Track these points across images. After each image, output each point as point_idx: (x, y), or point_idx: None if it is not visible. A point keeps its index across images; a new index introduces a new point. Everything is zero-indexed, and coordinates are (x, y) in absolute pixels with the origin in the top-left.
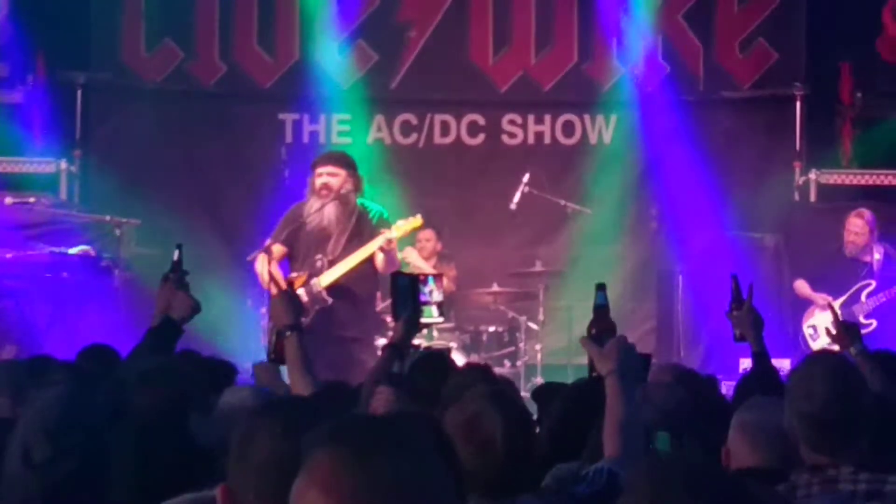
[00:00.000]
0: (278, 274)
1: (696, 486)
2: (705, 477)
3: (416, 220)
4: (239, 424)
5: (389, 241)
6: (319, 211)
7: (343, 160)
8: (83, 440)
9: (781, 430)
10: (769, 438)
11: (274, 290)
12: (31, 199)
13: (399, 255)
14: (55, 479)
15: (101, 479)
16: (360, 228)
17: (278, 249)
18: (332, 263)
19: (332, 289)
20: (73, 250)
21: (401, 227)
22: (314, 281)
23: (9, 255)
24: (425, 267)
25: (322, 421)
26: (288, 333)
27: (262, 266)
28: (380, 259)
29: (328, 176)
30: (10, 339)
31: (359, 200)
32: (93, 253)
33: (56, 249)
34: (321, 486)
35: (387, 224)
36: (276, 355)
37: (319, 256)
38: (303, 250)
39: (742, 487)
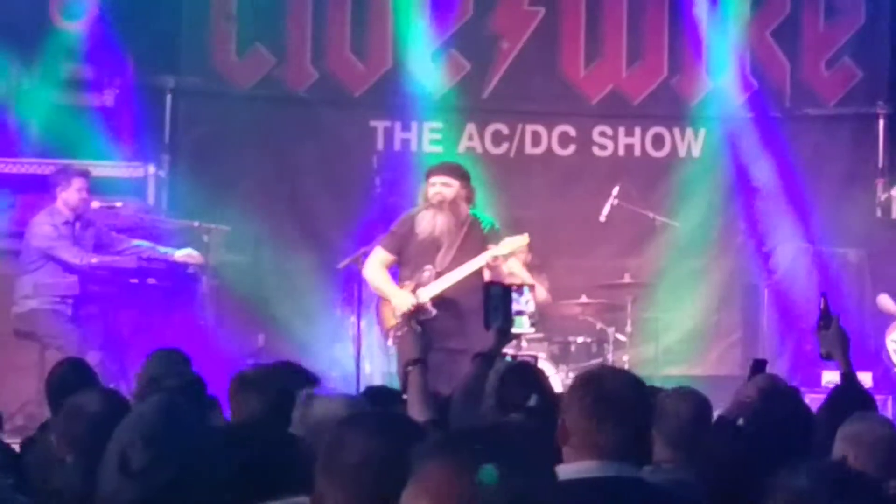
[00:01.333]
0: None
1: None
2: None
3: (524, 239)
4: (328, 432)
5: (495, 258)
6: (431, 220)
7: (457, 171)
8: (181, 447)
9: (886, 442)
10: (874, 449)
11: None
12: (118, 204)
13: (505, 265)
14: (153, 486)
15: (200, 486)
16: (471, 239)
17: (385, 257)
18: (439, 275)
19: (438, 300)
20: (178, 253)
21: (507, 244)
22: (420, 291)
23: (95, 260)
24: (528, 278)
25: (409, 427)
26: (410, 368)
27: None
28: (486, 274)
29: (441, 185)
30: (94, 346)
31: (471, 211)
32: (198, 258)
33: (165, 250)
34: (431, 496)
35: (497, 235)
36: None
37: (428, 267)
38: (413, 260)
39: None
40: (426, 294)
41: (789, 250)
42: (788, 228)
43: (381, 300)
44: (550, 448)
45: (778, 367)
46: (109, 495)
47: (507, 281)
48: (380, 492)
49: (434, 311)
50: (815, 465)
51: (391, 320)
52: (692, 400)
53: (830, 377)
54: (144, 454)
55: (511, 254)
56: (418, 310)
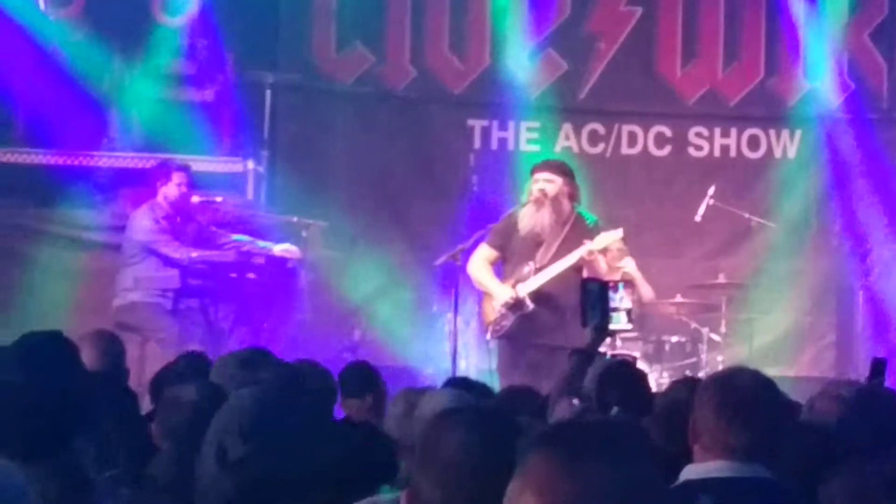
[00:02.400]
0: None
1: None
2: None
3: (617, 233)
4: (425, 426)
5: (590, 253)
6: (533, 217)
7: (561, 168)
8: (278, 440)
9: None
10: None
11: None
12: (218, 199)
13: (619, 263)
14: (249, 478)
15: (297, 479)
16: (573, 236)
17: (489, 253)
18: (538, 271)
19: (536, 296)
20: (277, 248)
21: (602, 239)
22: (519, 286)
23: (194, 254)
24: (640, 278)
25: (509, 422)
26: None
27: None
28: (584, 270)
29: (545, 182)
30: (194, 340)
31: (576, 209)
32: (296, 253)
33: (264, 245)
34: (536, 490)
35: (600, 232)
36: None
37: (529, 263)
38: (516, 256)
39: None
40: (524, 289)
41: (885, 252)
42: (885, 230)
43: (483, 296)
44: (652, 444)
45: None
46: (207, 486)
47: (606, 278)
48: (476, 487)
49: (532, 307)
50: (874, 463)
51: (491, 315)
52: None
53: None
54: (241, 446)
55: (605, 248)
56: (517, 303)
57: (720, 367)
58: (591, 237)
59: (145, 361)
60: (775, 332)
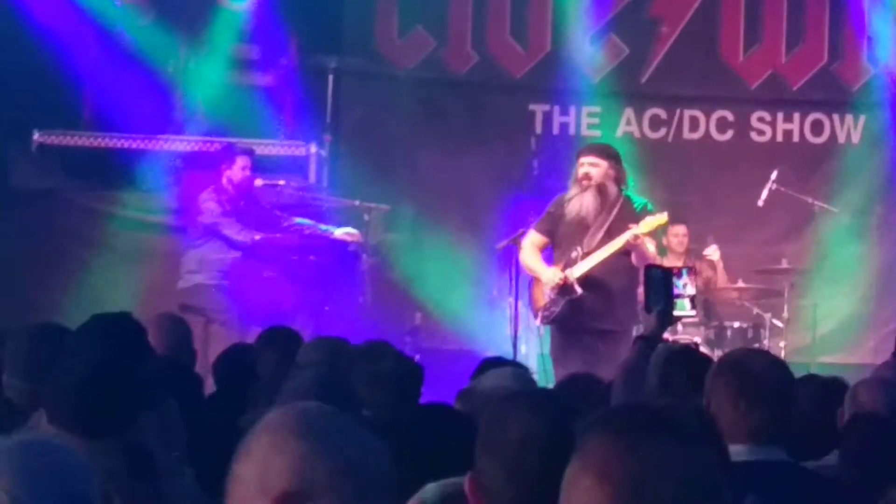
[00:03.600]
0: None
1: None
2: None
3: (663, 217)
4: (489, 408)
5: (636, 237)
6: (578, 201)
7: (605, 151)
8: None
9: None
10: None
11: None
12: (281, 182)
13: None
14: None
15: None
16: (621, 220)
17: (537, 239)
18: (587, 255)
19: (585, 281)
20: (338, 231)
21: (648, 223)
22: (567, 272)
23: (258, 237)
24: (720, 266)
25: (572, 406)
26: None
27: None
28: (632, 255)
29: (589, 166)
30: (255, 322)
31: (624, 192)
32: (357, 236)
33: (326, 228)
34: (596, 473)
35: (648, 216)
36: None
37: (577, 248)
38: (564, 241)
39: None
40: (573, 274)
41: None
42: None
43: (533, 280)
44: (714, 427)
45: None
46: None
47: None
48: (540, 470)
49: (580, 291)
50: None
51: (541, 300)
52: (888, 392)
53: None
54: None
55: (651, 231)
56: (566, 287)
57: (782, 353)
58: (639, 221)
59: (209, 343)
60: (838, 318)
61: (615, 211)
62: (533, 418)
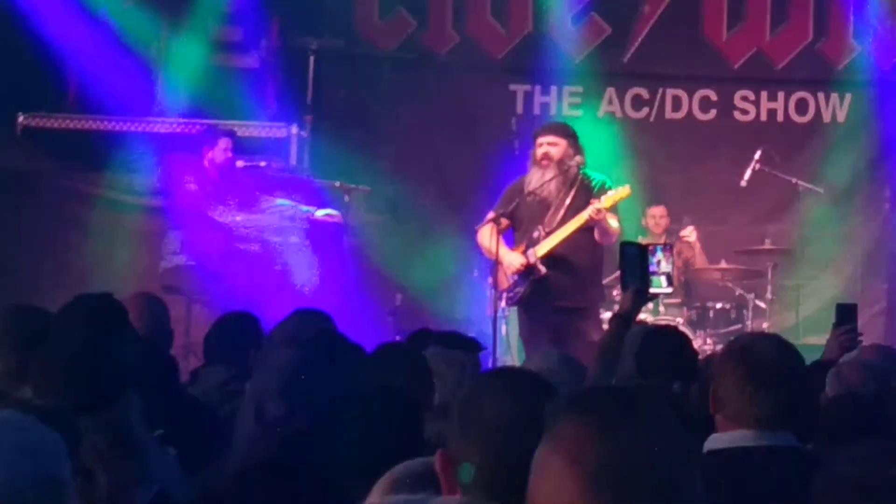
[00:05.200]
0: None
1: None
2: None
3: (625, 190)
4: (465, 390)
5: (598, 211)
6: (539, 180)
7: (563, 130)
8: (313, 401)
9: None
10: None
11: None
12: (262, 164)
13: (683, 232)
14: (287, 435)
15: (331, 437)
16: (580, 197)
17: (503, 221)
18: (549, 234)
19: (548, 259)
20: (319, 212)
21: (610, 196)
22: (530, 252)
23: (239, 218)
24: (697, 247)
25: (548, 388)
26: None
27: (487, 238)
28: (595, 231)
29: (548, 145)
30: (237, 302)
31: (581, 170)
32: (338, 217)
33: (307, 209)
34: (566, 455)
35: (606, 192)
36: None
37: (538, 228)
38: (524, 221)
39: None
40: (535, 254)
41: None
42: None
43: (496, 263)
44: (685, 411)
45: None
46: (246, 444)
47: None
48: (515, 453)
49: (544, 270)
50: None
51: (505, 282)
52: (872, 372)
53: None
54: (280, 404)
55: (613, 204)
56: (529, 269)
57: None
58: (599, 196)
59: (191, 323)
60: (822, 299)
61: (575, 188)
62: (509, 399)
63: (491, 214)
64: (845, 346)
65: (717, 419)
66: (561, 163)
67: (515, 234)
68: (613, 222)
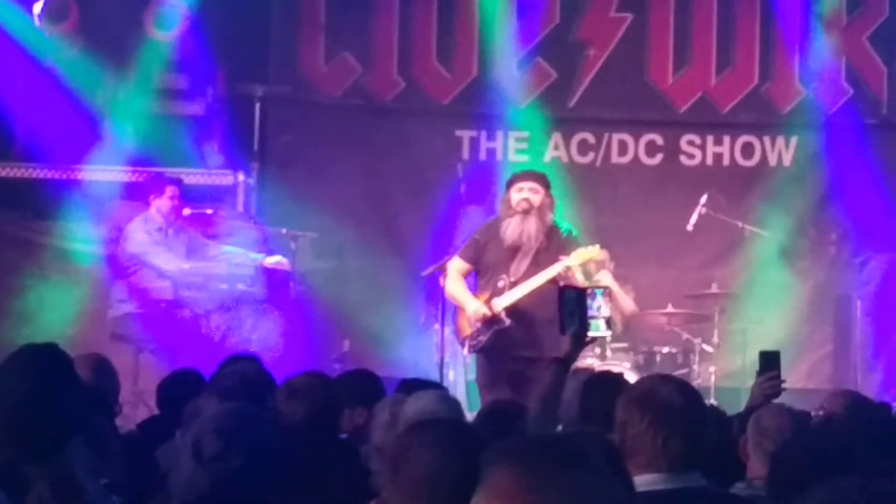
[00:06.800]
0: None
1: None
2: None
3: (594, 250)
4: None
5: (567, 269)
6: (518, 226)
7: (543, 179)
8: (249, 439)
9: None
10: None
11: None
12: (209, 211)
13: (596, 277)
14: (223, 473)
15: (266, 474)
16: (551, 247)
17: (462, 266)
18: (513, 284)
19: (512, 310)
20: (268, 260)
21: (580, 255)
22: (494, 301)
23: (186, 266)
24: (619, 291)
25: (476, 439)
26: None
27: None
28: (559, 284)
29: (530, 191)
30: (185, 351)
31: (554, 220)
32: (286, 265)
33: (255, 256)
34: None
35: (574, 242)
36: None
37: (503, 276)
38: (490, 268)
39: None
40: (500, 304)
41: (884, 261)
42: (883, 239)
43: (458, 310)
44: (619, 458)
45: (871, 382)
46: (185, 481)
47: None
48: (444, 502)
49: (508, 322)
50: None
51: (467, 329)
52: (792, 416)
53: None
54: (216, 443)
55: (582, 263)
56: (493, 319)
57: (712, 379)
58: (567, 247)
59: (139, 372)
60: (770, 342)
61: (543, 238)
62: (439, 453)
63: (456, 260)
64: (768, 394)
65: (629, 464)
66: (541, 210)
67: (480, 280)
68: (580, 277)
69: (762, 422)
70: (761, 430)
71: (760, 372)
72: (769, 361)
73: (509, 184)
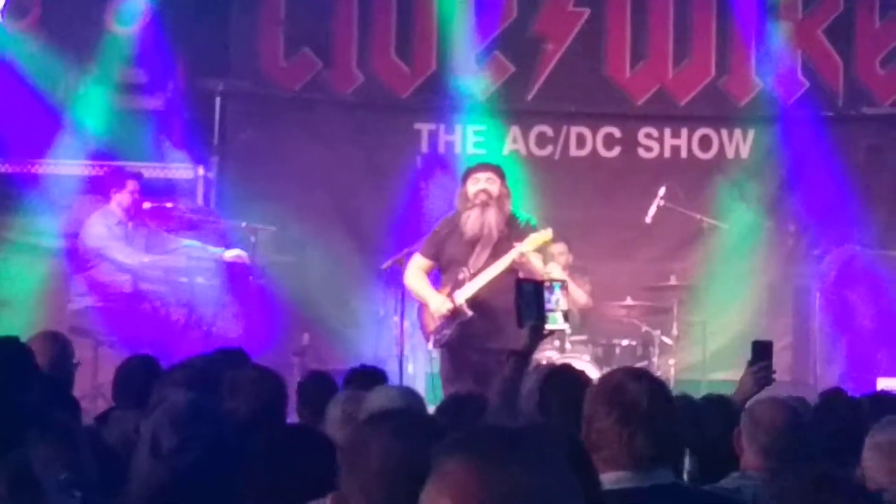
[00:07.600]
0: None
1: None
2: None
3: (547, 234)
4: (352, 432)
5: (522, 255)
6: (478, 218)
7: (498, 169)
8: (206, 432)
9: None
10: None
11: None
12: (169, 205)
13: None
14: (181, 467)
15: (222, 468)
16: (508, 239)
17: (423, 263)
18: (473, 276)
19: (473, 302)
20: (228, 253)
21: (532, 240)
22: (456, 294)
23: (146, 259)
24: (571, 283)
25: (435, 430)
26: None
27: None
28: (519, 272)
29: (486, 182)
30: (144, 344)
31: (511, 210)
32: (246, 258)
33: (215, 250)
34: (452, 495)
35: (532, 230)
36: None
37: (463, 269)
38: (452, 262)
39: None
40: (461, 296)
41: (842, 253)
42: (841, 231)
43: (422, 305)
44: (582, 452)
45: (830, 373)
46: (143, 476)
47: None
48: (402, 494)
49: (471, 313)
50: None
51: (431, 324)
52: (786, 407)
53: (886, 383)
54: (173, 437)
55: (535, 248)
56: (455, 313)
57: (672, 371)
58: (524, 236)
59: (98, 365)
60: (729, 334)
61: (504, 228)
62: (395, 444)
63: (417, 257)
64: (761, 383)
65: (596, 460)
66: (500, 201)
67: (442, 275)
68: (538, 262)
69: (756, 413)
70: (755, 422)
71: (752, 361)
72: (761, 350)
73: (465, 177)
